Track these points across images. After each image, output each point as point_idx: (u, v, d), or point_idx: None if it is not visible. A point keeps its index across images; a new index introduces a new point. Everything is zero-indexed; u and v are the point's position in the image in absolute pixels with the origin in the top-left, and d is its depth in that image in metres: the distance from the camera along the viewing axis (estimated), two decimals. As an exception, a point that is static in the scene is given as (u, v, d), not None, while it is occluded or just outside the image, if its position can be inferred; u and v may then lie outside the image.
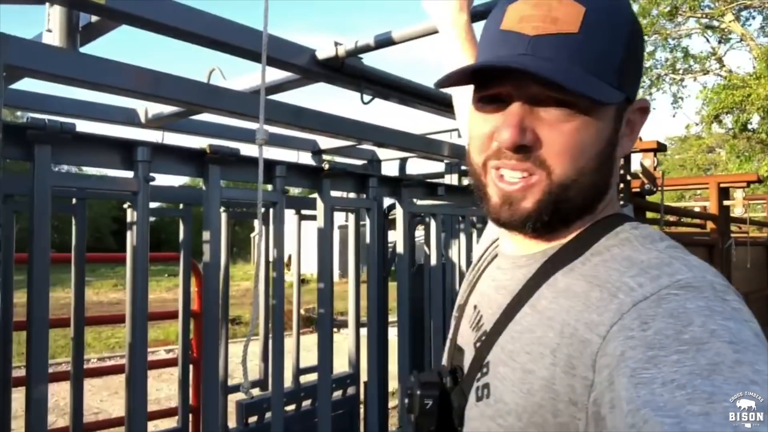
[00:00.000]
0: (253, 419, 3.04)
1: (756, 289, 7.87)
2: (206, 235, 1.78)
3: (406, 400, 0.78)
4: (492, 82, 0.66)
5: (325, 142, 3.40)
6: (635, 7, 13.72)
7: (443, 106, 2.32)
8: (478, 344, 0.73)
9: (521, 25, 0.64)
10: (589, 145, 0.65)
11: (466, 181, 3.77)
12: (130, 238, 2.52)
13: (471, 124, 0.72)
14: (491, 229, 0.94)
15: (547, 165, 0.65)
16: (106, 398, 6.91)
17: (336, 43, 1.87)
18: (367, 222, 2.32)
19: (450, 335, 0.85)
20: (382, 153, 3.68)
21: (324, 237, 2.17)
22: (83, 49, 1.56)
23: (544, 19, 0.63)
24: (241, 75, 2.22)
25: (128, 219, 2.55)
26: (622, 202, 0.80)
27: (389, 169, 4.00)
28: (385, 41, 1.71)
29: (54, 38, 1.49)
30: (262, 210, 3.03)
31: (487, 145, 0.68)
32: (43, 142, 1.40)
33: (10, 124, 1.32)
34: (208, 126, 2.89)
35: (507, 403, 0.64)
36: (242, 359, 1.56)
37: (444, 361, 0.85)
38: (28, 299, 1.41)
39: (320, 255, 2.18)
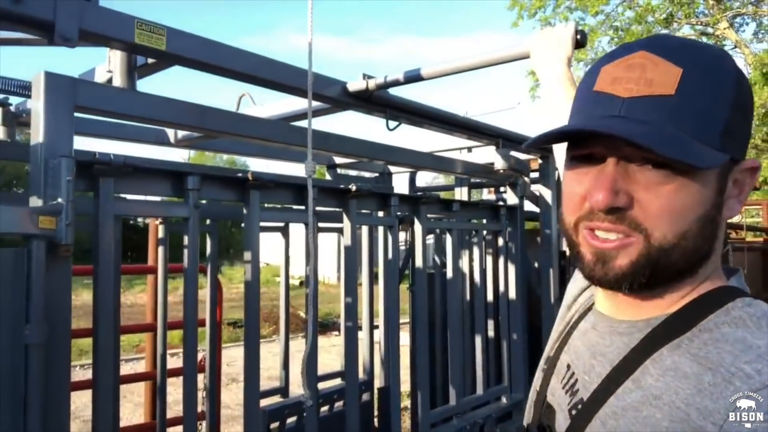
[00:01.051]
0: (274, 425, 3.16)
1: (753, 294, 8.01)
2: (247, 255, 1.91)
3: None
4: (585, 143, 0.66)
5: (339, 158, 3.54)
6: (631, 14, 13.91)
7: (460, 128, 2.46)
8: (574, 412, 0.70)
9: (614, 87, 0.63)
10: (690, 207, 0.62)
11: (475, 195, 3.91)
12: (162, 254, 2.65)
13: (565, 183, 0.70)
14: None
15: (643, 228, 0.62)
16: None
17: (366, 76, 2.01)
18: (390, 238, 2.45)
19: (537, 388, 0.82)
20: (393, 167, 3.83)
21: (350, 254, 2.30)
22: (138, 83, 1.69)
23: (638, 81, 0.62)
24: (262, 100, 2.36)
25: (160, 234, 2.68)
26: (733, 266, 0.79)
27: (398, 180, 4.13)
28: (413, 77, 1.85)
29: (115, 77, 1.62)
30: (289, 227, 3.15)
31: (580, 206, 0.67)
32: (107, 175, 1.53)
33: (80, 161, 1.45)
34: (230, 144, 3.02)
35: None
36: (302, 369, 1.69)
37: (528, 413, 0.83)
38: (94, 308, 1.55)
39: (347, 271, 2.31)
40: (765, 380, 0.53)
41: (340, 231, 3.75)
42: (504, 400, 3.15)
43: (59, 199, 1.38)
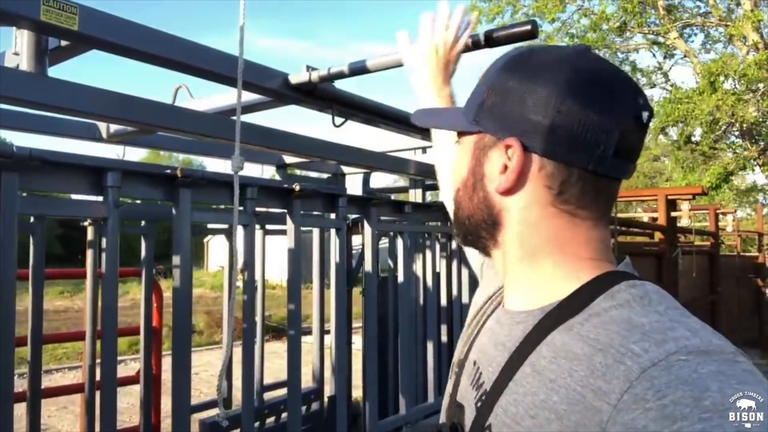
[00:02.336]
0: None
1: (701, 296, 8.25)
2: (176, 260, 1.76)
3: None
4: None
5: (289, 157, 3.39)
6: (586, 22, 14.18)
7: (410, 127, 2.36)
8: (478, 404, 0.71)
9: None
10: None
11: (429, 197, 3.83)
12: (92, 257, 2.46)
13: None
14: (489, 282, 0.95)
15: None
16: (54, 413, 6.66)
17: (309, 68, 1.88)
18: (336, 241, 2.33)
19: (449, 390, 0.84)
20: (346, 167, 3.71)
21: (294, 258, 2.17)
22: (51, 70, 1.52)
23: None
24: (207, 92, 2.20)
25: (89, 237, 2.49)
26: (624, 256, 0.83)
27: (352, 182, 4.02)
28: (358, 69, 1.73)
29: (21, 61, 1.45)
30: (230, 229, 2.99)
31: None
32: (10, 169, 1.37)
33: (-23, 152, 1.28)
34: (169, 140, 2.84)
35: None
36: (219, 377, 1.55)
37: (442, 417, 0.84)
38: None
39: (291, 275, 2.18)
40: (653, 357, 0.55)
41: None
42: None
43: (-54, 195, 1.21)
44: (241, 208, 1.97)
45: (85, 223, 2.53)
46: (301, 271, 2.25)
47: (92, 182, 1.56)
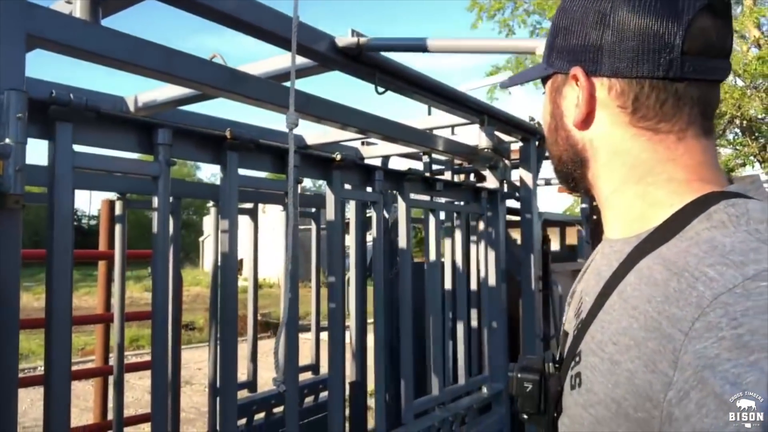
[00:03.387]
0: (242, 422, 2.94)
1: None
2: (224, 224, 1.71)
3: (507, 381, 0.82)
4: None
5: (310, 138, 3.34)
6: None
7: (456, 103, 2.32)
8: (575, 332, 0.72)
9: None
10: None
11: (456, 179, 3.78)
12: (121, 234, 2.40)
13: None
14: None
15: None
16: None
17: (354, 32, 1.84)
18: (374, 216, 2.28)
19: (563, 321, 0.85)
20: (364, 151, 3.66)
21: (334, 230, 2.12)
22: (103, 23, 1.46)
23: None
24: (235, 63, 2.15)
25: (117, 212, 2.43)
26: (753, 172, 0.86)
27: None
28: (416, 46, 1.69)
29: (75, 10, 1.39)
30: (251, 205, 2.92)
31: None
32: (65, 119, 1.31)
33: (34, 99, 1.22)
34: (196, 118, 2.79)
35: (596, 393, 0.62)
36: (275, 352, 1.50)
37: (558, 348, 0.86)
38: (47, 296, 1.31)
39: (330, 249, 2.13)
40: (728, 282, 0.52)
41: (314, 217, 3.57)
42: (485, 390, 3.02)
43: (7, 140, 1.15)
44: (284, 176, 1.92)
45: (115, 198, 2.47)
46: (343, 247, 2.20)
47: (142, 140, 1.50)
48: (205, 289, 20.60)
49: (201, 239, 33.97)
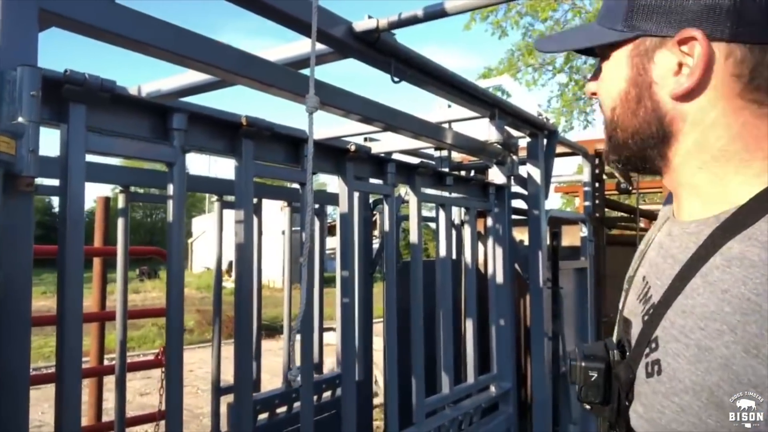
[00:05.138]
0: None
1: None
2: (239, 215, 1.64)
3: (569, 369, 0.76)
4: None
5: (317, 133, 3.28)
6: (579, 21, 14.26)
7: (469, 96, 2.27)
8: (646, 317, 0.69)
9: None
10: (612, 87, 0.75)
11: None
12: (123, 228, 2.32)
13: None
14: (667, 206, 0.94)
15: (605, 108, 0.77)
16: (47, 410, 6.42)
17: (371, 17, 1.78)
18: (386, 209, 2.22)
19: (620, 307, 0.81)
20: (368, 146, 3.60)
21: (345, 223, 2.06)
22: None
23: None
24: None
25: (120, 205, 2.35)
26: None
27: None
28: (436, 12, 1.63)
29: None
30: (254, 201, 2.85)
31: None
32: (79, 100, 1.24)
33: (48, 77, 1.15)
34: (201, 109, 2.71)
35: (682, 380, 0.60)
36: (289, 348, 1.44)
37: (615, 335, 0.81)
38: (58, 295, 1.23)
39: (342, 242, 2.07)
40: None
41: (318, 213, 3.49)
42: (492, 389, 2.97)
43: (20, 119, 1.08)
44: (298, 167, 1.86)
45: (117, 190, 2.39)
46: (354, 241, 2.14)
47: (156, 124, 1.43)
48: (194, 291, 20.45)
49: (190, 241, 33.72)
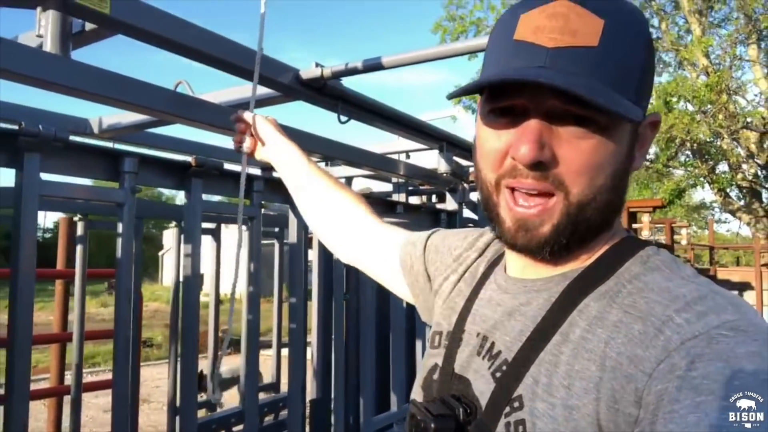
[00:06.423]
0: (202, 441, 2.94)
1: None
2: (188, 249, 1.76)
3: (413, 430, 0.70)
4: (506, 95, 0.63)
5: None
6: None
7: (409, 129, 2.42)
8: (498, 374, 0.67)
9: (537, 36, 0.61)
10: (607, 163, 0.63)
11: (412, 200, 3.89)
12: (81, 254, 2.41)
13: (482, 139, 0.67)
14: (446, 241, 0.93)
15: (565, 185, 0.62)
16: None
17: (318, 65, 1.92)
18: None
19: (438, 362, 0.78)
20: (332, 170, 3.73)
21: (296, 255, 2.18)
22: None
23: (562, 31, 0.60)
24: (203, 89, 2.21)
25: (79, 232, 2.44)
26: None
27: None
28: (373, 66, 1.78)
29: (45, 43, 1.44)
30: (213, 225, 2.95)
31: (501, 163, 0.65)
32: (33, 150, 1.35)
33: (2, 130, 1.26)
34: (160, 139, 2.81)
35: None
36: (213, 368, 1.55)
37: (426, 390, 0.79)
38: (10, 315, 1.34)
39: (292, 272, 2.19)
40: (695, 330, 0.54)
41: (277, 236, 3.61)
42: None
43: (-24, 171, 1.19)
44: (248, 201, 1.99)
45: (76, 218, 2.48)
46: (304, 273, 2.26)
47: (108, 168, 1.55)
48: (164, 304, 20.15)
49: (160, 253, 33.27)
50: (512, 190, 0.65)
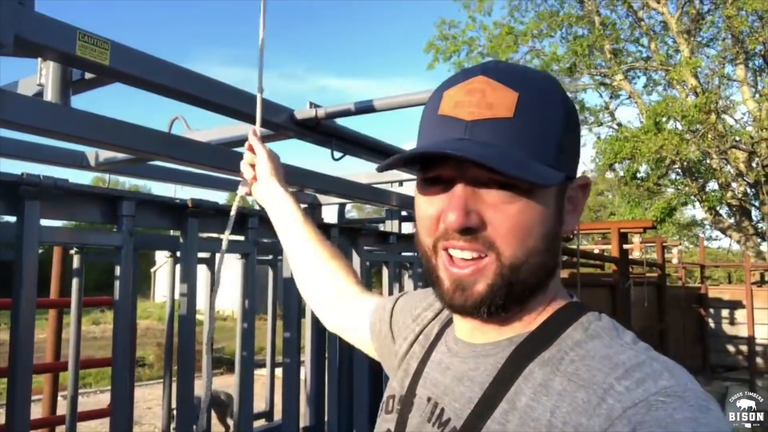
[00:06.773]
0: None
1: (650, 324, 8.63)
2: (184, 288, 1.78)
3: None
4: (434, 165, 0.67)
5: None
6: (538, 62, 14.86)
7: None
8: None
9: (457, 111, 0.65)
10: (535, 225, 0.65)
11: (405, 227, 3.94)
12: (77, 285, 2.43)
13: (418, 207, 0.71)
14: (410, 301, 0.94)
15: (495, 246, 0.64)
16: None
17: (312, 105, 1.97)
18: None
19: (391, 428, 0.79)
20: (322, 198, 3.77)
21: (290, 291, 2.21)
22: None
23: (479, 105, 0.64)
24: (199, 123, 2.25)
25: (75, 264, 2.47)
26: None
27: (328, 212, 4.08)
28: (365, 108, 1.83)
29: (46, 92, 1.48)
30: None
31: (436, 227, 0.68)
32: (33, 198, 1.38)
33: (4, 180, 1.30)
34: (154, 170, 2.85)
35: None
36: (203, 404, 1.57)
37: None
38: (11, 345, 1.36)
39: (286, 306, 2.22)
40: (634, 397, 0.56)
41: (271, 263, 3.64)
42: None
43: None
44: (242, 237, 2.02)
45: (72, 251, 2.50)
46: (296, 298, 2.29)
47: (107, 211, 1.58)
48: (155, 322, 19.99)
49: (153, 270, 33.10)
50: (447, 251, 0.67)
